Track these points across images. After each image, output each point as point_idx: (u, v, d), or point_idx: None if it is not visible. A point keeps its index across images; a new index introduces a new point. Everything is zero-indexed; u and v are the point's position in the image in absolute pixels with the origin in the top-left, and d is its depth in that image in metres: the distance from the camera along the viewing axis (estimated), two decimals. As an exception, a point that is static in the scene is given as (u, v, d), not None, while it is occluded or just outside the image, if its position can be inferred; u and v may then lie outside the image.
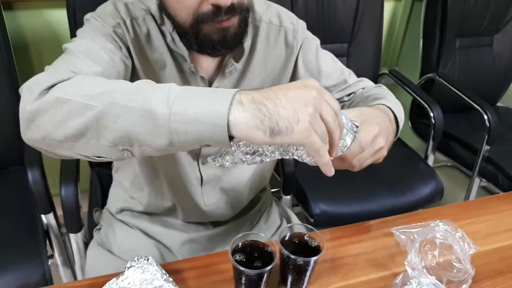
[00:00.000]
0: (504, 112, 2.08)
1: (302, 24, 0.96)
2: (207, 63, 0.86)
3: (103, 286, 0.70)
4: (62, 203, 1.11)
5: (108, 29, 0.78)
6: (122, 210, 1.06)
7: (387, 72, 1.89)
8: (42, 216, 1.21)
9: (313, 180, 1.47)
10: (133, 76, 0.82)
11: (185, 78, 0.86)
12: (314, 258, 0.69)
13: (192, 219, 1.01)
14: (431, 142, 1.69)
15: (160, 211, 1.00)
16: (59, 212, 1.16)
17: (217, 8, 0.71)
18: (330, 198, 1.42)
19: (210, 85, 0.87)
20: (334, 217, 1.39)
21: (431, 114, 1.64)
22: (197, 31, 0.74)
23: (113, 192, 1.10)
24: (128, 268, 0.70)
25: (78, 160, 1.19)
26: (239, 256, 0.70)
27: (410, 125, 2.03)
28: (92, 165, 1.40)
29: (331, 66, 0.98)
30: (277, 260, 0.69)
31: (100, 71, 0.70)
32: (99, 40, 0.75)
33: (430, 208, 1.02)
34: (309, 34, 0.97)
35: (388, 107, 0.83)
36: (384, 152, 0.72)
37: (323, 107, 0.55)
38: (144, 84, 0.58)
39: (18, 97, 1.37)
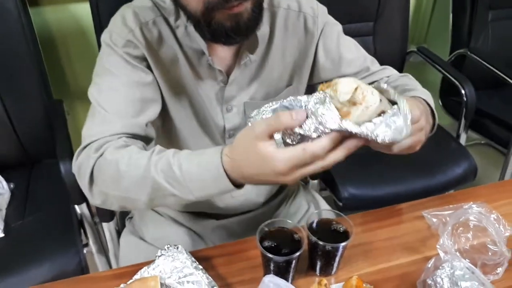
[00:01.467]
0: (542, 87, 1.99)
1: (322, 9, 0.93)
2: (224, 54, 0.85)
3: (135, 274, 0.72)
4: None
5: (121, 52, 0.79)
6: (152, 201, 1.08)
7: (415, 49, 1.83)
8: (76, 206, 1.24)
9: (340, 163, 1.45)
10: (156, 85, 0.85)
11: (199, 75, 0.85)
12: (343, 244, 0.69)
13: (221, 209, 1.01)
14: (463, 121, 1.63)
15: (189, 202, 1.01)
16: (92, 202, 1.19)
17: None
18: (358, 181, 1.40)
19: (227, 77, 0.86)
20: (363, 201, 1.37)
21: (463, 92, 1.58)
22: (209, 19, 0.72)
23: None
24: (159, 256, 0.72)
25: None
26: (267, 242, 0.70)
27: (440, 103, 1.97)
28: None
29: (353, 53, 0.94)
30: (305, 246, 0.69)
31: (139, 123, 0.80)
32: (118, 78, 0.79)
33: (463, 189, 0.99)
34: (330, 19, 0.94)
35: (424, 100, 0.79)
36: (422, 137, 0.68)
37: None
38: (160, 178, 0.68)
39: (47, 92, 1.41)
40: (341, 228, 0.73)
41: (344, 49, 0.93)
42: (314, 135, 0.57)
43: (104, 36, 0.83)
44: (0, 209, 1.27)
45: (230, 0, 0.69)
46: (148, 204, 0.72)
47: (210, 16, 0.72)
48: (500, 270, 0.73)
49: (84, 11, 1.52)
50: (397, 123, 0.58)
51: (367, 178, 1.42)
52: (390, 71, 0.97)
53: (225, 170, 0.64)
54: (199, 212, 1.03)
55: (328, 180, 1.45)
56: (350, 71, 0.93)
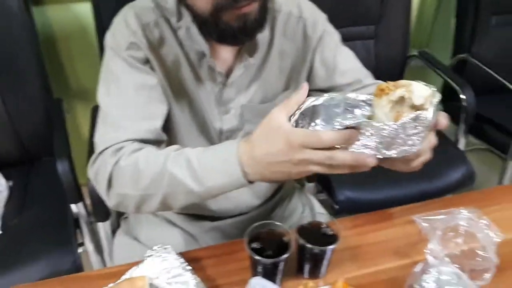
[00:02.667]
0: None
1: (323, 16, 0.94)
2: (225, 56, 0.86)
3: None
4: (90, 192, 1.14)
5: (124, 55, 0.81)
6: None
7: (416, 53, 1.83)
8: (72, 205, 1.25)
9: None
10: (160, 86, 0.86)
11: (199, 76, 0.87)
12: (330, 247, 0.69)
13: (215, 212, 1.02)
14: (462, 125, 1.63)
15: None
16: (88, 201, 1.20)
17: None
18: (355, 184, 1.40)
19: (227, 79, 0.87)
20: (359, 204, 1.37)
21: (463, 97, 1.58)
22: (217, 19, 0.74)
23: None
24: (148, 257, 0.73)
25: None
26: (256, 244, 0.71)
27: (441, 108, 1.97)
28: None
29: (348, 64, 0.95)
30: (292, 249, 0.69)
31: (151, 126, 0.82)
32: (125, 82, 0.81)
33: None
34: (329, 27, 0.94)
35: None
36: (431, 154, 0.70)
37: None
38: (175, 169, 0.71)
39: (48, 90, 1.43)
40: (330, 232, 0.73)
41: (340, 59, 0.94)
42: None
43: (108, 39, 0.84)
44: (-2, 206, 1.29)
45: (240, 0, 0.70)
46: (161, 202, 0.73)
47: (218, 16, 0.73)
48: (487, 275, 0.73)
49: (85, 10, 1.53)
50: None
51: (364, 181, 1.42)
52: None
53: (239, 158, 0.66)
54: (194, 214, 1.03)
55: (324, 183, 1.46)
56: (343, 82, 0.93)
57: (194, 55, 0.85)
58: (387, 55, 1.78)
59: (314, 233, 0.73)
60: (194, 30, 0.81)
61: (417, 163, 0.69)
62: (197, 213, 1.02)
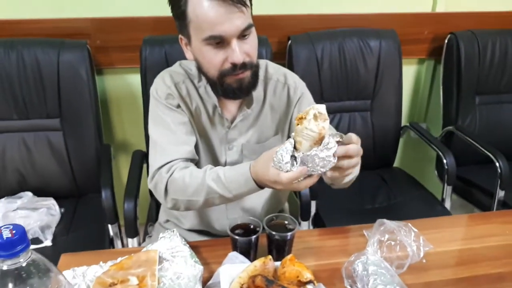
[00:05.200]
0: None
1: (302, 83, 1.28)
2: (230, 107, 1.20)
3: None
4: (124, 214, 1.45)
5: (164, 102, 1.15)
6: (167, 220, 1.38)
7: (408, 125, 2.12)
8: (109, 226, 1.56)
9: (331, 208, 1.69)
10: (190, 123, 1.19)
11: (213, 121, 1.20)
12: (289, 233, 0.96)
13: (218, 231, 1.29)
14: (446, 186, 1.85)
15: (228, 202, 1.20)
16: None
17: (234, 65, 1.04)
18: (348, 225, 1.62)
19: (231, 123, 1.20)
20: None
21: (444, 161, 1.81)
22: (222, 82, 1.08)
23: (162, 207, 1.43)
24: (160, 238, 1.01)
25: (139, 184, 1.57)
26: (237, 231, 0.98)
27: (436, 173, 2.20)
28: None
29: None
30: (260, 232, 0.96)
31: (187, 150, 1.13)
32: (168, 120, 1.14)
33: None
34: (307, 92, 1.28)
35: None
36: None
37: None
38: (211, 183, 1.04)
39: (100, 138, 1.81)
40: (290, 226, 1.00)
41: None
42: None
43: (152, 92, 1.19)
44: (51, 226, 1.61)
45: (236, 69, 1.05)
46: (204, 204, 1.06)
47: (223, 80, 1.08)
48: (406, 264, 0.97)
49: (135, 78, 1.92)
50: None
51: (356, 223, 1.63)
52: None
53: (251, 175, 0.99)
54: (201, 230, 1.31)
55: (319, 224, 1.69)
56: None
57: (209, 105, 1.19)
58: (382, 126, 2.05)
59: (279, 227, 1.00)
60: (208, 88, 1.16)
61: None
62: (205, 229, 1.30)
